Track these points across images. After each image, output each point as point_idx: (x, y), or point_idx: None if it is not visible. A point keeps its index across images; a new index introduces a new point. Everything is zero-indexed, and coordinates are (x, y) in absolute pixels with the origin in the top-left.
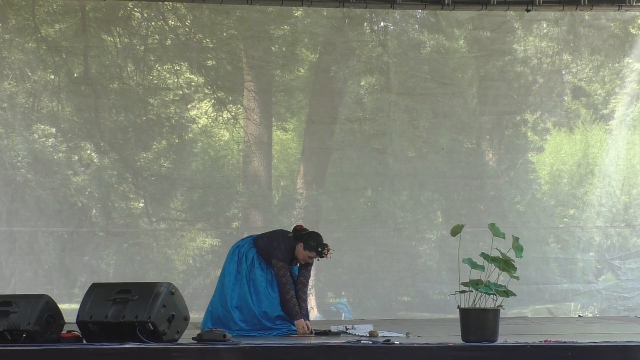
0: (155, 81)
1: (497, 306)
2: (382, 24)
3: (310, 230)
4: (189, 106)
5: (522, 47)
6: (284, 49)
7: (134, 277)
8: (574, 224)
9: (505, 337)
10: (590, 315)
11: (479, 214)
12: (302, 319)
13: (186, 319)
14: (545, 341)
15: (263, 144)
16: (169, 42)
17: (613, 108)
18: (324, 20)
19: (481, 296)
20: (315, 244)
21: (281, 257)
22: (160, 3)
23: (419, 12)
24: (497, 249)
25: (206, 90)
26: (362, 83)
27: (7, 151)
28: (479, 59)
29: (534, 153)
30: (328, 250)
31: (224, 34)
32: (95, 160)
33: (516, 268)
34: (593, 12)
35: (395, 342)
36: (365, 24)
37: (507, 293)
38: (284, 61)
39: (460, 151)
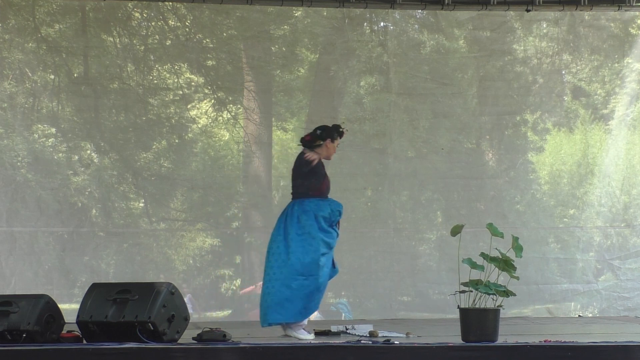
0: (155, 81)
1: (497, 306)
2: (382, 24)
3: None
4: (189, 106)
5: (522, 47)
6: (284, 49)
7: (134, 277)
8: (574, 224)
9: (505, 337)
10: (590, 315)
11: (479, 214)
12: None
13: (186, 319)
14: (545, 341)
15: (263, 144)
16: (169, 42)
17: (613, 108)
18: (324, 20)
19: (481, 296)
20: (334, 130)
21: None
22: (160, 3)
23: (418, 12)
24: (496, 249)
25: (206, 90)
26: (362, 83)
27: (7, 151)
28: (478, 59)
29: (534, 153)
30: (342, 126)
31: (224, 34)
32: (95, 160)
33: (516, 268)
34: (593, 12)
35: (395, 342)
36: (365, 24)
37: (507, 293)
38: (284, 61)
39: (460, 151)
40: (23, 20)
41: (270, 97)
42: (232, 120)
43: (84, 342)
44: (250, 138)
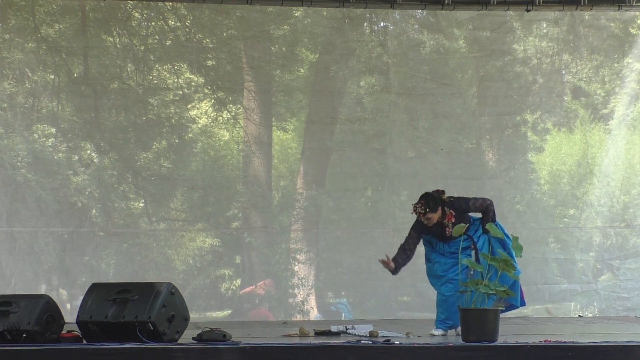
0: (155, 81)
1: (497, 306)
2: (382, 24)
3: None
4: (189, 106)
5: (522, 47)
6: (284, 49)
7: (134, 277)
8: (574, 224)
9: (505, 337)
10: (590, 315)
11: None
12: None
13: (186, 319)
14: (545, 341)
15: (263, 144)
16: (169, 42)
17: (613, 108)
18: (324, 20)
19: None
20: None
21: None
22: (160, 3)
23: (418, 12)
24: (497, 249)
25: (206, 90)
26: (362, 83)
27: (7, 151)
28: (478, 59)
29: (533, 153)
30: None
31: (224, 34)
32: (95, 160)
33: (516, 268)
34: (593, 12)
35: (395, 342)
36: (365, 24)
37: (507, 293)
38: (284, 61)
39: (460, 151)
40: (23, 20)
41: (270, 97)
42: (232, 120)
43: (84, 342)
44: (250, 138)
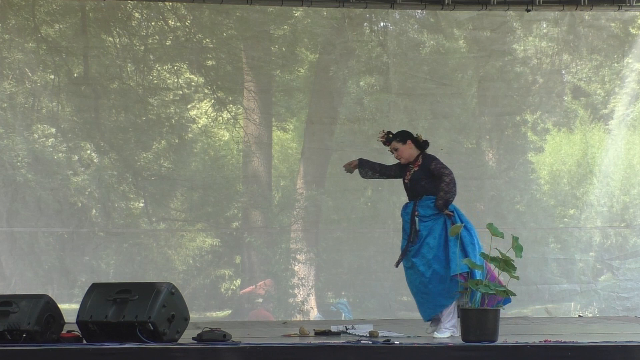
0: (155, 81)
1: (497, 306)
2: (381, 24)
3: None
4: (189, 106)
5: (522, 47)
6: (284, 49)
7: (134, 277)
8: (574, 224)
9: (505, 337)
10: (590, 315)
11: (479, 214)
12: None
13: (186, 319)
14: (545, 341)
15: (263, 144)
16: (169, 42)
17: (613, 108)
18: (323, 20)
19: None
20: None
21: None
22: (160, 3)
23: (418, 12)
24: (496, 249)
25: (206, 90)
26: (362, 83)
27: (7, 151)
28: (478, 59)
29: (533, 153)
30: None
31: (224, 34)
32: (95, 160)
33: (516, 268)
34: (593, 12)
35: (395, 342)
36: (365, 24)
37: (507, 293)
38: (284, 61)
39: (460, 151)
40: (23, 20)
41: (270, 97)
42: (232, 120)
43: (84, 342)
44: (250, 138)
